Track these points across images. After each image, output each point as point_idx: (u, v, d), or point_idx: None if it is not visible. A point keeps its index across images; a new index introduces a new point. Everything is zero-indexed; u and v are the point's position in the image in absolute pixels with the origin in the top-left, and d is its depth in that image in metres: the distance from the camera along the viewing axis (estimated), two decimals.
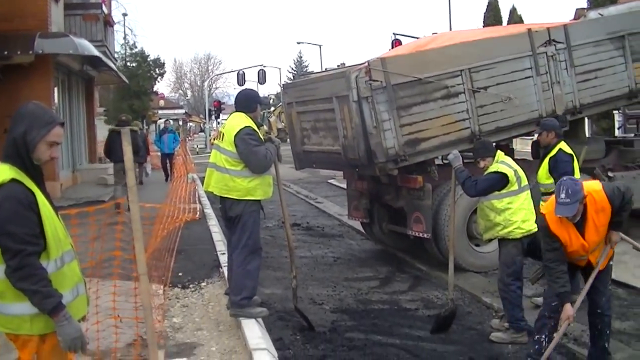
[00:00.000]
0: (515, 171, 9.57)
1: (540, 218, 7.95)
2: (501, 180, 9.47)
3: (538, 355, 8.07)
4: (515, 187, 9.50)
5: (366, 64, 12.42)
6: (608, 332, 8.16)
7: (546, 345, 8.01)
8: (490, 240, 10.46)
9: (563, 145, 10.74)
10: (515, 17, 45.47)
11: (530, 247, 9.79)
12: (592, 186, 7.69)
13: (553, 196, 7.65)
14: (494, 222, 9.65)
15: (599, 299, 8.00)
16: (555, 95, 13.92)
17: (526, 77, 13.67)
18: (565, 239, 7.68)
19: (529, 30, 13.79)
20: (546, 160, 10.72)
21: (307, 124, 14.46)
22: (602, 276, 7.96)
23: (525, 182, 9.71)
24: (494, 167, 9.61)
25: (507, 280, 9.59)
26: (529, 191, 9.74)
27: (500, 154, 9.82)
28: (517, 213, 9.48)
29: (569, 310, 7.67)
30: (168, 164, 30.27)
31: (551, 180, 10.48)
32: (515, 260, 9.58)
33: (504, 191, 9.45)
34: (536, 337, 8.19)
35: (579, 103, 14.31)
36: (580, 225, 7.57)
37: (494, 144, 10.77)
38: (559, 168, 10.45)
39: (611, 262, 8.09)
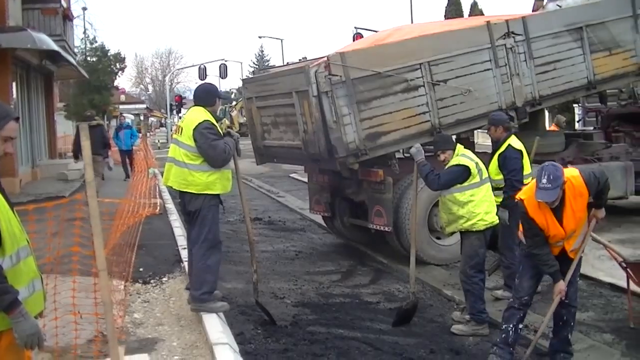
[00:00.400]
0: (477, 163, 9.60)
1: (519, 203, 7.95)
2: (463, 173, 9.49)
3: (504, 344, 8.16)
4: (477, 179, 9.54)
5: (326, 58, 12.39)
6: (572, 323, 8.27)
7: (513, 335, 8.12)
8: (452, 233, 10.47)
9: (513, 140, 10.78)
10: (476, 11, 45.74)
11: (490, 239, 9.87)
12: (571, 172, 7.79)
13: (533, 181, 7.82)
14: (457, 215, 9.67)
15: (568, 289, 8.03)
16: (515, 87, 14.01)
17: (485, 70, 13.72)
18: (542, 224, 7.75)
19: (488, 22, 13.84)
20: (496, 155, 10.76)
21: (268, 118, 14.41)
22: (575, 267, 8.06)
23: (486, 174, 9.78)
24: (455, 160, 9.63)
25: (470, 273, 9.63)
26: (489, 183, 9.80)
27: (460, 147, 9.85)
28: (479, 205, 9.51)
29: (561, 285, 7.86)
30: (127, 161, 29.41)
31: (501, 176, 10.55)
32: (479, 252, 9.62)
33: (466, 184, 9.47)
34: (504, 326, 8.29)
35: (538, 94, 14.42)
36: (558, 210, 7.65)
37: (453, 137, 10.78)
38: (508, 165, 10.52)
39: (581, 254, 8.14)
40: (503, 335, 8.21)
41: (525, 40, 14.15)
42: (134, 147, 30.28)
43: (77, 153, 20.76)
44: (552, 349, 8.37)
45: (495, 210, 9.73)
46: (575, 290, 8.20)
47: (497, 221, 9.72)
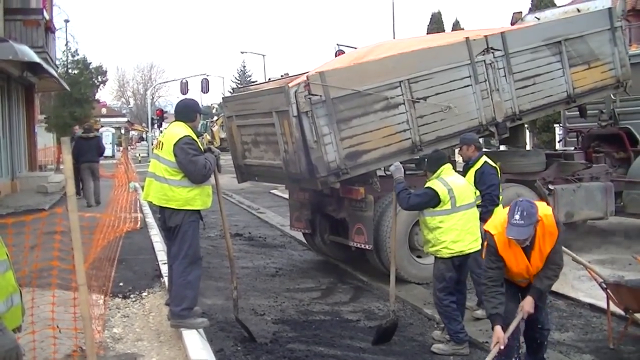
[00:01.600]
0: (450, 190, 9.50)
1: (488, 237, 7.81)
2: (432, 198, 9.46)
3: None
4: (448, 206, 9.47)
5: (305, 78, 12.39)
6: (546, 343, 8.29)
7: None
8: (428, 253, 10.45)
9: (487, 159, 10.84)
10: (458, 30, 45.87)
11: None
12: (543, 209, 7.62)
13: (504, 216, 7.58)
14: (426, 239, 9.76)
15: (539, 315, 7.99)
16: (495, 102, 14.00)
17: (465, 86, 13.69)
18: (510, 261, 7.66)
19: (467, 39, 13.82)
20: (470, 173, 10.76)
21: (248, 137, 14.36)
22: (543, 295, 7.98)
23: (463, 201, 9.61)
24: (429, 183, 9.65)
25: (440, 295, 9.65)
26: (467, 211, 9.65)
27: (445, 169, 9.76)
28: (447, 233, 9.46)
29: (499, 332, 7.56)
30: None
31: (477, 193, 10.54)
32: (445, 276, 9.58)
33: (437, 209, 9.44)
34: None
35: (518, 110, 14.41)
36: (527, 248, 7.51)
37: (445, 157, 10.65)
38: (486, 180, 10.53)
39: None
40: None
41: (505, 55, 14.15)
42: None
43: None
44: None
45: (471, 238, 9.57)
46: (546, 315, 8.18)
47: (467, 250, 9.56)
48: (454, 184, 9.64)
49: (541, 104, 14.93)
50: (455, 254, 9.48)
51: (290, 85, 12.48)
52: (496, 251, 7.65)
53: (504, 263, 7.67)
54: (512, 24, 18.45)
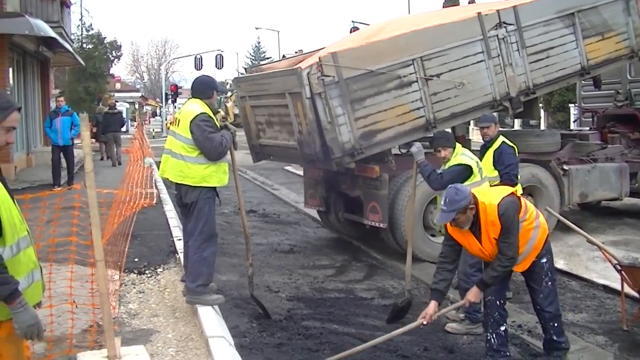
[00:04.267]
0: (477, 162, 9.65)
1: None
2: (465, 172, 9.51)
3: (491, 351, 8.09)
4: (478, 178, 9.56)
5: (317, 59, 12.35)
6: (555, 324, 8.13)
7: (496, 341, 8.03)
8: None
9: (504, 138, 10.85)
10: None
11: None
12: (492, 197, 7.67)
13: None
14: None
15: (536, 296, 8.08)
16: (508, 77, 13.91)
17: (478, 62, 13.61)
18: (462, 241, 7.82)
19: (479, 14, 13.70)
20: (489, 153, 10.77)
21: (262, 117, 14.34)
22: (533, 275, 8.01)
23: (485, 173, 9.84)
24: (456, 160, 9.63)
25: (469, 271, 9.69)
26: (488, 182, 9.81)
27: (459, 146, 9.86)
28: None
29: (431, 308, 7.72)
30: (62, 161, 22.84)
31: (496, 173, 10.55)
32: None
33: (467, 183, 9.36)
34: (486, 336, 8.26)
35: (532, 83, 14.31)
36: (476, 231, 7.63)
37: (451, 135, 10.74)
38: (505, 160, 10.54)
39: (544, 260, 7.99)
40: (487, 345, 8.15)
41: (517, 29, 14.04)
42: (74, 142, 23.11)
43: (96, 136, 32.36)
44: (544, 347, 8.40)
45: None
46: (545, 297, 8.04)
47: None
48: (475, 157, 9.82)
49: (555, 77, 14.82)
50: None
51: (302, 66, 12.45)
52: (446, 231, 7.90)
53: (455, 242, 7.86)
54: None
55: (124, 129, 39.17)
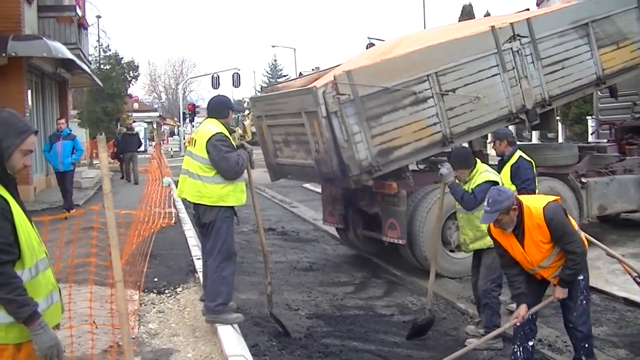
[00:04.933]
0: (500, 179, 9.68)
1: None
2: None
3: None
4: None
5: (332, 77, 12.36)
6: (586, 345, 8.01)
7: (521, 355, 8.04)
8: (476, 250, 10.32)
9: (521, 153, 10.84)
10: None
11: None
12: (536, 201, 7.75)
13: None
14: (478, 232, 9.64)
15: (569, 314, 8.00)
16: (524, 89, 13.90)
17: (493, 75, 13.60)
18: (507, 247, 7.85)
19: (493, 27, 13.69)
20: (506, 168, 10.75)
21: (279, 137, 14.36)
22: (571, 291, 7.88)
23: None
24: (483, 177, 9.58)
25: (490, 287, 9.64)
26: None
27: (479, 163, 9.85)
28: None
29: (522, 310, 7.77)
30: (66, 188, 21.00)
31: (513, 188, 10.52)
32: (498, 266, 9.56)
33: None
34: (512, 348, 8.24)
35: (547, 95, 14.30)
36: (519, 236, 7.66)
37: (471, 151, 10.72)
38: (522, 174, 10.54)
39: (581, 277, 7.90)
40: (512, 357, 8.17)
41: (531, 41, 14.03)
42: (75, 167, 21.78)
43: (117, 155, 34.46)
44: None
45: None
46: (579, 316, 7.96)
47: None
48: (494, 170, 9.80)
49: (571, 87, 14.80)
50: None
51: (318, 85, 12.47)
52: (492, 236, 8.02)
53: (504, 250, 7.90)
54: (538, 4, 18.16)
55: (142, 148, 41.28)
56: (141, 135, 68.07)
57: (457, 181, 9.71)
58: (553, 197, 7.99)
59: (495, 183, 9.39)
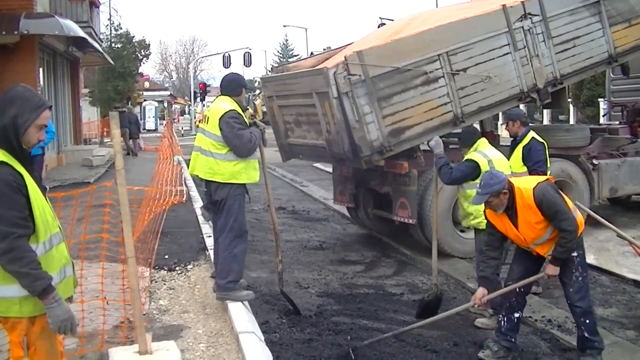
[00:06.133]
0: (490, 161, 9.63)
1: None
2: (474, 170, 9.60)
3: (498, 332, 8.41)
4: None
5: (343, 58, 12.33)
6: (586, 321, 8.11)
7: (505, 324, 8.29)
8: (468, 227, 10.52)
9: (534, 134, 10.85)
10: None
11: None
12: (526, 183, 7.92)
13: None
14: (467, 211, 9.95)
15: (567, 290, 8.16)
16: (535, 68, 13.81)
17: (504, 54, 13.52)
18: (500, 227, 8.07)
19: (504, 6, 13.58)
20: (518, 149, 10.76)
21: (290, 117, 14.33)
22: (565, 268, 8.03)
23: (514, 169, 10.01)
24: (469, 155, 9.81)
25: (479, 257, 9.71)
26: None
27: (481, 142, 9.97)
28: None
29: (479, 293, 8.18)
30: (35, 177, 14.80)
31: (525, 169, 10.55)
32: None
33: (477, 181, 9.36)
34: (498, 318, 8.62)
35: (559, 74, 14.20)
36: (513, 217, 7.85)
37: (478, 132, 10.77)
38: (533, 156, 10.54)
39: (575, 254, 8.01)
40: (497, 326, 8.49)
41: (543, 20, 13.91)
42: (45, 152, 18.59)
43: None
44: (577, 344, 8.39)
45: None
46: (576, 292, 8.08)
47: None
48: (492, 155, 9.79)
49: (582, 66, 14.69)
50: None
51: (328, 66, 12.45)
52: (486, 217, 8.27)
53: (495, 229, 8.14)
54: None
55: (149, 129, 44.72)
56: (152, 114, 69.86)
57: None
58: (544, 178, 8.20)
59: (476, 164, 9.61)
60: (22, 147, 4.61)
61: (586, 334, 8.11)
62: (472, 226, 10.08)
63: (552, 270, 7.96)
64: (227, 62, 58.81)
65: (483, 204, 8.09)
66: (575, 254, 8.01)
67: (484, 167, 9.51)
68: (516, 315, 8.27)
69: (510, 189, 7.74)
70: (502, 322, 8.30)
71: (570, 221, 7.70)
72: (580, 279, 8.08)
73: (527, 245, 8.00)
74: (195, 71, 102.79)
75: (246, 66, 60.29)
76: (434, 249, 10.37)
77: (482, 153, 9.76)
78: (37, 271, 4.44)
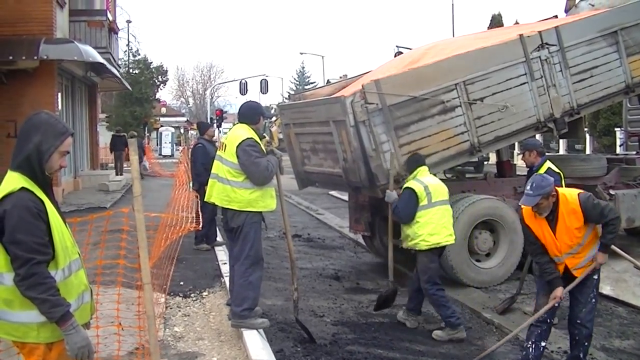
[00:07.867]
0: (426, 187, 10.22)
1: (519, 211, 8.51)
2: (411, 196, 10.22)
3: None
4: (425, 202, 10.22)
5: (360, 86, 12.36)
6: (586, 343, 8.39)
7: (533, 351, 8.30)
8: (407, 248, 10.84)
9: (550, 164, 10.89)
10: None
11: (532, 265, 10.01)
12: (570, 191, 8.17)
13: None
14: (405, 234, 10.50)
15: (579, 310, 8.29)
16: (552, 98, 13.84)
17: (521, 84, 13.57)
18: (538, 232, 8.14)
19: (521, 36, 13.64)
20: None
21: (306, 145, 14.38)
22: (583, 287, 8.21)
23: (438, 197, 10.34)
24: (406, 184, 10.52)
25: (426, 287, 10.41)
26: (441, 206, 10.36)
27: (420, 171, 10.63)
28: (424, 227, 10.22)
29: (558, 291, 8.09)
30: None
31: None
32: (429, 267, 10.39)
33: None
34: (525, 344, 8.53)
35: (576, 104, 14.25)
36: (552, 222, 7.98)
37: (421, 160, 11.02)
38: None
39: (595, 276, 8.28)
40: (524, 353, 8.48)
41: (560, 50, 13.98)
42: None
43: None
44: None
45: (446, 232, 10.38)
46: (588, 312, 8.30)
47: (444, 242, 10.39)
48: (428, 182, 10.40)
49: (599, 96, 14.73)
50: (432, 246, 10.23)
51: (346, 94, 12.48)
52: (523, 222, 8.31)
53: (534, 237, 8.20)
54: (566, 11, 17.99)
55: (165, 155, 45.74)
56: (168, 140, 70.36)
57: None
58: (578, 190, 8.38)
59: (412, 190, 10.24)
60: (44, 173, 4.65)
61: (581, 355, 8.35)
62: (409, 247, 10.52)
63: (602, 257, 8.14)
64: (243, 88, 58.95)
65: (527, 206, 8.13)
66: (596, 275, 8.29)
67: (420, 192, 10.18)
68: (543, 344, 8.38)
69: (556, 193, 7.92)
70: (531, 349, 8.34)
71: (613, 210, 8.10)
72: (593, 300, 8.35)
73: (559, 255, 8.08)
74: (212, 97, 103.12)
75: (263, 93, 60.56)
76: (390, 252, 11.50)
77: (419, 180, 10.35)
78: (56, 298, 4.46)
